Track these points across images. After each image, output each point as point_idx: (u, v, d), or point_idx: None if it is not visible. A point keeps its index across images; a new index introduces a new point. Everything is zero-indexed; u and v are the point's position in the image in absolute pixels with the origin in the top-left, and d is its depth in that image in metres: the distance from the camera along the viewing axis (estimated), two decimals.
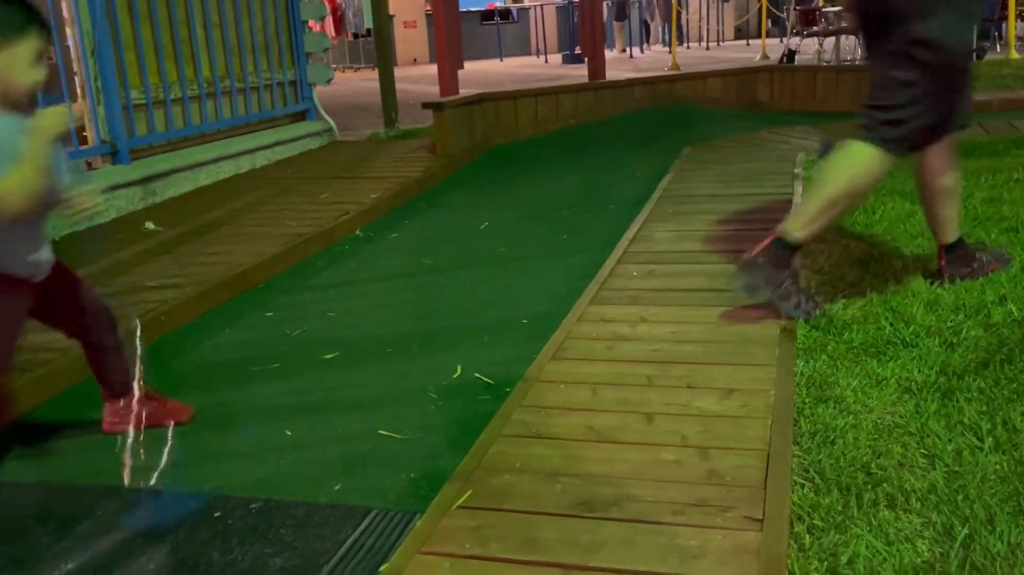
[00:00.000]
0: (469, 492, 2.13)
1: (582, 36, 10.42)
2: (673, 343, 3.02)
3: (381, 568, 1.91)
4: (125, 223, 5.25)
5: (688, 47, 23.23)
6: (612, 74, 9.80)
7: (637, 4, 22.79)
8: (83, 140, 5.66)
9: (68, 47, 5.90)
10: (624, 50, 20.61)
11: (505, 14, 23.43)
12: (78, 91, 5.67)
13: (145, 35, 6.06)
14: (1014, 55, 12.68)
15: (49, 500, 2.34)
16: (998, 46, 13.91)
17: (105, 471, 2.47)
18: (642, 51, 21.18)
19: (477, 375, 2.99)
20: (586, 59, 9.98)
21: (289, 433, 2.65)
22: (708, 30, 23.30)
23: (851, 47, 15.13)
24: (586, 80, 9.46)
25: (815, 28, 15.12)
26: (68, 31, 5.50)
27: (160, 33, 6.19)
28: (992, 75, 10.15)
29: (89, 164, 5.75)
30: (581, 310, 3.42)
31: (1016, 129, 6.82)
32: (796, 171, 5.69)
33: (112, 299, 3.71)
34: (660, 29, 23.74)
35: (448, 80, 8.34)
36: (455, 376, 3.00)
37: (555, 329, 3.24)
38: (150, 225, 5.10)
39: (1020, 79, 9.56)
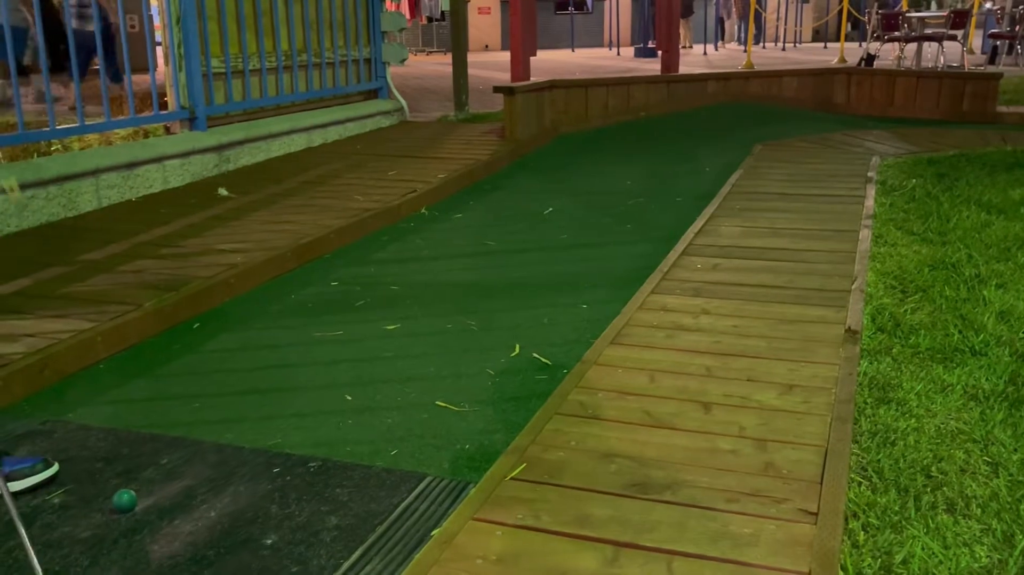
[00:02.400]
0: (523, 466, 2.15)
1: (657, 29, 10.35)
2: (735, 336, 3.00)
3: (433, 532, 1.94)
4: (199, 188, 5.37)
5: (764, 47, 22.90)
6: (684, 69, 9.71)
7: (713, 1, 22.53)
8: (163, 105, 5.80)
9: (152, 15, 6.05)
10: (689, 46, 20.38)
11: (580, 5, 23.33)
12: (160, 58, 5.80)
13: (228, 5, 6.19)
14: None
15: (118, 445, 2.42)
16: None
17: (172, 422, 2.55)
18: (716, 48, 20.94)
19: (535, 355, 3.00)
20: (659, 52, 9.91)
21: (349, 398, 2.70)
22: (785, 30, 22.92)
23: (933, 54, 14.77)
24: (658, 73, 9.39)
25: (896, 33, 14.79)
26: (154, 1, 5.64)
27: (243, 5, 6.30)
28: None
29: (167, 128, 5.90)
30: (642, 298, 3.41)
31: None
32: (869, 174, 5.59)
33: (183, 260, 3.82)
34: (736, 27, 23.45)
35: (520, 66, 8.35)
36: (513, 355, 3.02)
37: (615, 315, 3.24)
38: (223, 191, 5.21)
39: None
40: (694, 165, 6.39)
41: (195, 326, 3.34)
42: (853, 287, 3.48)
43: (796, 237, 4.24)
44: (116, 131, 5.79)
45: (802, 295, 3.42)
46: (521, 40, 8.30)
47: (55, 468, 2.26)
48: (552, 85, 7.53)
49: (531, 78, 8.16)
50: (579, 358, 2.86)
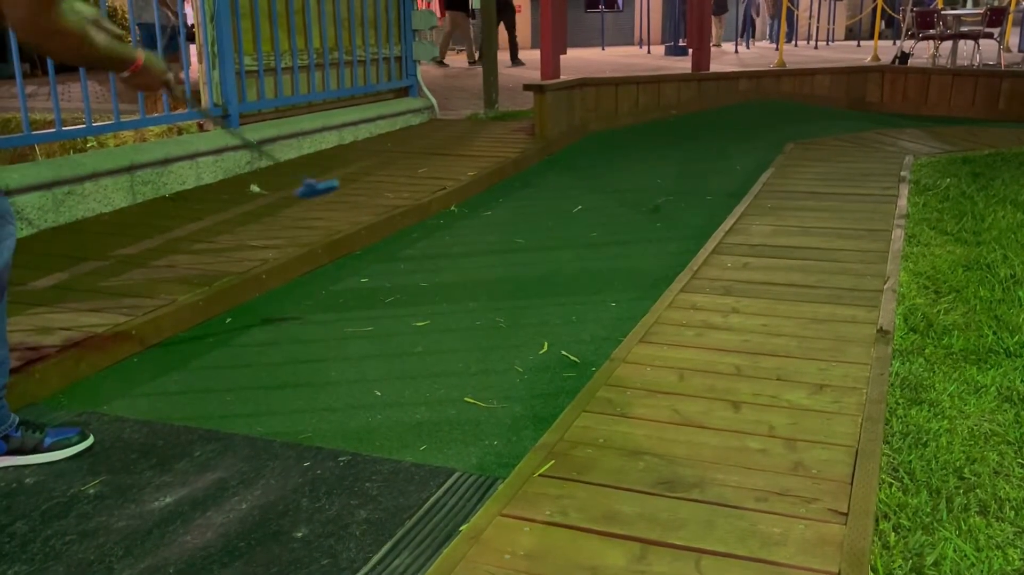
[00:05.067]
0: (552, 462, 2.16)
1: (688, 27, 10.30)
2: (765, 335, 2.98)
3: (462, 527, 1.95)
4: (231, 184, 5.43)
5: (796, 45, 22.68)
6: (715, 67, 9.66)
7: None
8: (197, 102, 5.87)
9: (187, 14, 6.11)
10: (719, 44, 20.26)
11: (610, 3, 23.27)
12: (194, 55, 5.87)
13: (261, 4, 6.24)
14: None
15: (152, 437, 2.46)
16: None
17: (205, 415, 2.58)
18: (748, 47, 20.80)
19: (563, 352, 3.01)
20: (690, 50, 9.87)
21: (379, 393, 2.72)
22: (818, 28, 22.70)
23: (969, 52, 14.58)
24: (689, 71, 9.35)
25: (931, 31, 14.61)
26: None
27: (276, 3, 6.36)
28: None
29: (201, 126, 5.96)
30: (672, 296, 3.40)
31: None
32: (903, 174, 5.53)
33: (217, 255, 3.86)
34: (767, 25, 23.28)
35: (550, 64, 8.35)
36: (541, 352, 3.03)
37: (644, 313, 3.24)
38: (255, 188, 5.26)
39: None
40: (725, 163, 6.36)
41: (227, 321, 3.38)
42: (885, 287, 3.45)
43: (828, 236, 4.21)
44: (151, 128, 5.87)
45: (833, 294, 3.39)
46: (551, 38, 8.29)
47: (90, 439, 2.42)
48: (582, 83, 7.53)
49: (561, 76, 8.16)
50: (608, 356, 2.86)
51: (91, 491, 2.18)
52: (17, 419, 2.36)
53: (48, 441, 2.36)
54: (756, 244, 4.13)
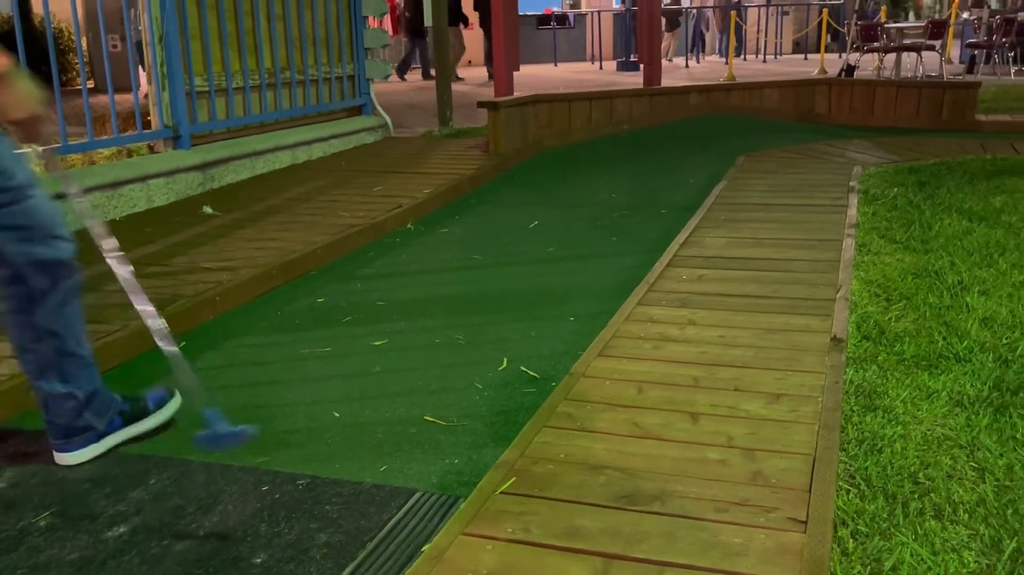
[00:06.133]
0: (513, 479, 2.15)
1: (639, 43, 10.41)
2: (721, 346, 3.01)
3: (424, 547, 1.94)
4: (183, 206, 5.36)
5: (745, 59, 23.04)
6: (666, 82, 9.77)
7: (692, 14, 22.72)
8: (147, 124, 5.79)
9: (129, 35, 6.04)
10: (670, 59, 20.54)
11: (562, 19, 23.45)
12: (143, 77, 5.80)
13: (211, 24, 6.19)
14: None
15: (106, 466, 2.41)
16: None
17: (159, 442, 2.54)
18: (697, 61, 21.09)
19: (523, 368, 3.01)
20: (642, 65, 9.98)
21: (337, 414, 2.69)
22: (766, 42, 23.09)
23: (912, 64, 14.93)
24: (641, 86, 9.45)
25: (875, 44, 14.95)
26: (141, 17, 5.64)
27: (225, 23, 6.31)
28: None
29: (151, 147, 5.89)
30: (629, 310, 3.42)
31: None
32: (852, 184, 5.63)
33: (170, 279, 3.80)
34: (717, 40, 23.64)
35: (503, 81, 8.38)
36: (501, 368, 3.02)
37: (602, 327, 3.25)
38: (207, 209, 5.20)
39: None
40: (678, 177, 6.42)
41: (182, 344, 3.33)
42: (838, 296, 3.51)
43: (780, 247, 4.27)
44: (99, 151, 5.78)
45: (787, 304, 3.44)
46: (504, 55, 8.33)
47: (178, 396, 2.66)
48: (536, 100, 7.57)
49: (515, 93, 8.20)
50: (567, 371, 2.87)
51: (42, 523, 2.13)
52: (119, 396, 2.54)
53: (151, 405, 2.58)
54: (711, 256, 4.17)
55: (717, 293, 3.61)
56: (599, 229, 5.02)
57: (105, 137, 5.49)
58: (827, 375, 2.73)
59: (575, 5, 25.63)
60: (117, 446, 2.51)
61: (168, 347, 2.31)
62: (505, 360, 3.09)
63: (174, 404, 2.64)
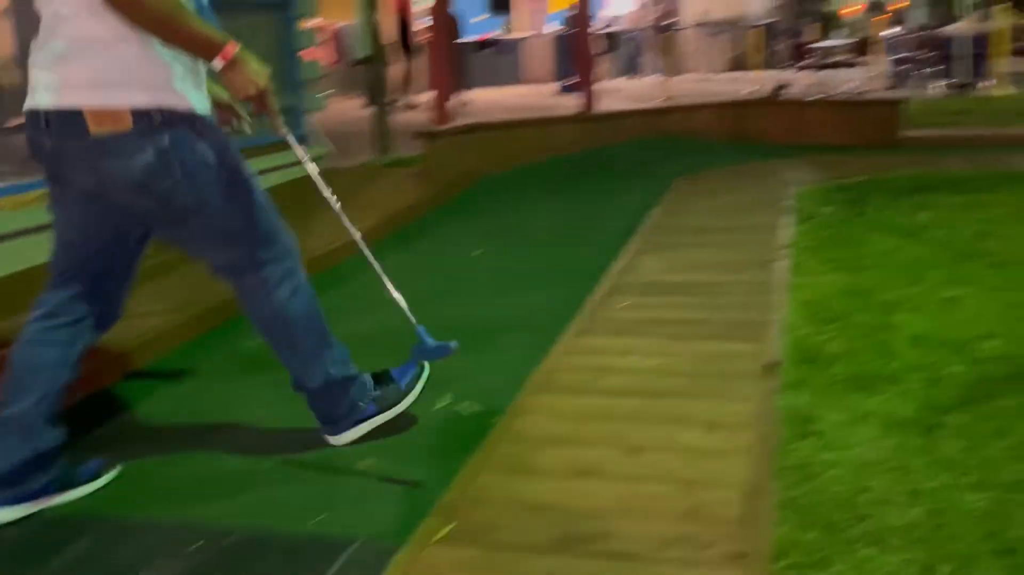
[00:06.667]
0: (453, 524, 2.13)
1: (576, 66, 10.52)
2: (659, 376, 3.03)
3: None
4: None
5: (681, 78, 23.36)
6: (605, 104, 9.87)
7: (628, 35, 23.04)
8: None
9: None
10: (608, 80, 20.78)
11: (499, 44, 23.60)
12: None
13: None
14: (1001, 91, 12.83)
15: (23, 530, 2.32)
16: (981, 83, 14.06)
17: (79, 503, 2.45)
18: (635, 81, 21.35)
19: (462, 406, 2.98)
20: (579, 89, 10.07)
21: (270, 464, 2.64)
22: (702, 61, 23.50)
23: (842, 81, 15.29)
24: (578, 110, 9.53)
25: (806, 62, 15.30)
26: None
27: None
28: (981, 111, 10.27)
29: None
30: (569, 341, 3.43)
31: (1004, 164, 6.88)
32: (785, 203, 5.72)
33: None
34: (653, 60, 23.97)
35: (442, 108, 8.39)
36: (440, 407, 2.99)
37: (542, 360, 3.24)
38: None
39: (1006, 114, 9.66)
40: (616, 202, 6.47)
41: (113, 392, 3.24)
42: (773, 318, 3.55)
43: (717, 270, 4.32)
44: (29, 193, 5.63)
45: (724, 329, 3.47)
46: (442, 81, 8.34)
47: (426, 369, 2.88)
48: (473, 128, 7.59)
49: (454, 119, 8.21)
50: (506, 408, 2.85)
51: None
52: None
53: (403, 382, 2.79)
54: (648, 282, 4.21)
55: (656, 320, 3.63)
56: (539, 257, 5.03)
57: (35, 179, 5.34)
58: (762, 402, 2.75)
59: (512, 30, 25.79)
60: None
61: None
62: (445, 398, 3.06)
63: (424, 376, 2.85)
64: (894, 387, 2.86)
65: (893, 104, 8.82)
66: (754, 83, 17.48)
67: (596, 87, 10.00)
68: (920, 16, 24.53)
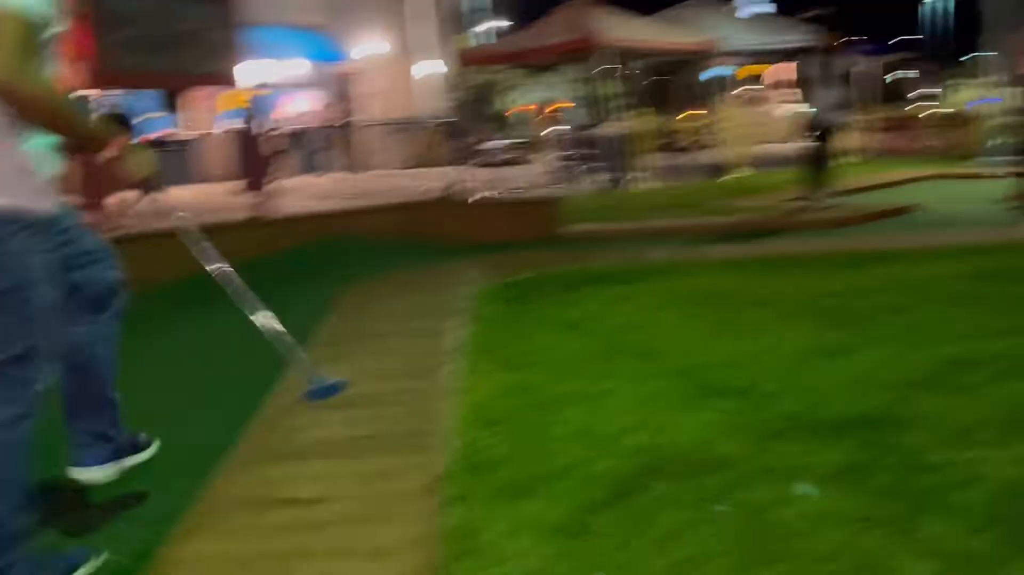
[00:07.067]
0: None
1: (249, 167, 10.30)
2: (323, 504, 2.91)
3: None
4: None
5: (363, 175, 23.76)
6: (287, 203, 9.75)
7: (308, 134, 23.12)
8: None
9: None
10: (289, 179, 20.71)
11: (174, 142, 22.66)
12: None
13: None
14: (649, 185, 14.35)
15: None
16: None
17: None
18: (318, 179, 21.38)
19: (107, 559, 2.66)
20: (253, 191, 9.84)
21: None
22: (383, 158, 24.07)
23: (513, 177, 16.33)
24: (253, 214, 9.30)
25: (479, 160, 16.19)
26: None
27: None
28: (630, 205, 11.38)
29: None
30: (228, 473, 3.21)
31: (648, 258, 7.58)
32: (458, 305, 5.87)
33: None
34: (335, 158, 24.18)
35: (98, 215, 7.79)
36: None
37: (196, 502, 2.99)
38: None
39: (651, 209, 10.77)
40: (287, 310, 6.26)
41: None
42: (439, 428, 3.56)
43: (386, 379, 4.30)
44: None
45: (390, 444, 3.43)
46: (93, 186, 7.76)
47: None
48: (128, 238, 7.09)
49: (115, 227, 7.64)
50: (151, 557, 2.58)
51: None
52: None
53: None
54: None
55: (320, 440, 3.52)
56: (197, 378, 4.76)
57: None
58: (427, 521, 2.72)
59: (187, 128, 24.93)
60: None
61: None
62: (89, 558, 2.71)
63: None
64: (549, 490, 2.95)
65: (554, 202, 9.51)
66: (433, 180, 18.18)
67: (276, 186, 9.86)
68: (580, 116, 26.95)
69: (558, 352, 4.67)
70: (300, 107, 28.27)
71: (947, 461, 2.98)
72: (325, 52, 27.08)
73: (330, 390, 3.79)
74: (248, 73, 13.97)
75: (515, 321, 5.42)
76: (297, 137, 22.50)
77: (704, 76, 19.88)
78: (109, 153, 2.61)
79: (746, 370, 4.08)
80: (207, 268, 3.60)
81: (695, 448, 3.25)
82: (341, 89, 28.39)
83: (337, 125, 24.39)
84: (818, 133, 9.99)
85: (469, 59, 18.82)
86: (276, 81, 27.17)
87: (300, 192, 17.23)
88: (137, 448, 3.20)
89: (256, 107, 10.82)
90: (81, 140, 2.51)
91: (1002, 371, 3.78)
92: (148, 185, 2.94)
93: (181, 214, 3.41)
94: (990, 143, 16.13)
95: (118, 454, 3.08)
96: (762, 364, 4.16)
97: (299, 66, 27.15)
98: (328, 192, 15.93)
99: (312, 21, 26.05)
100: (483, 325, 5.36)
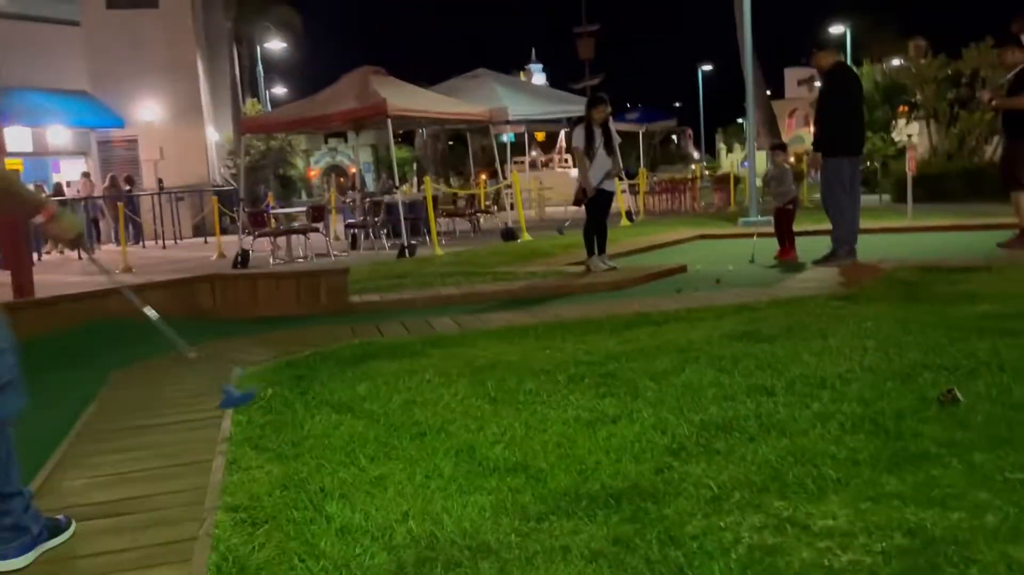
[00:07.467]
0: None
1: (3, 247, 9.51)
2: None
3: None
4: None
5: (144, 246, 22.66)
6: (52, 281, 9.04)
7: (82, 203, 21.85)
8: None
9: None
10: (62, 253, 19.43)
11: None
12: None
13: None
14: (439, 251, 14.45)
15: None
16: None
17: None
18: (92, 252, 20.15)
19: None
20: (9, 272, 9.08)
21: None
22: (164, 228, 23.01)
23: (300, 244, 16.02)
24: (14, 297, 8.57)
25: (265, 229, 15.76)
26: None
27: None
28: (418, 273, 11.38)
29: None
30: None
31: (433, 328, 7.56)
32: (229, 388, 5.58)
33: None
34: (111, 229, 22.90)
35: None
36: None
37: None
38: None
39: (440, 276, 10.82)
40: (42, 405, 5.77)
41: None
42: (201, 532, 3.33)
43: (146, 480, 3.99)
44: None
45: (147, 557, 3.16)
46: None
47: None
48: None
49: None
50: None
51: None
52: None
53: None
54: (70, 505, 3.72)
55: (69, 557, 3.19)
56: None
57: None
58: None
59: None
60: None
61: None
62: None
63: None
64: None
65: (341, 272, 9.35)
66: (214, 250, 17.54)
67: (30, 268, 9.13)
68: (369, 182, 26.96)
69: (333, 437, 4.49)
70: (73, 174, 26.67)
71: (705, 529, 3.09)
72: (96, 118, 25.78)
73: (241, 399, 4.53)
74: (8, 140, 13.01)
75: (291, 405, 5.19)
76: (71, 207, 21.17)
77: (494, 142, 20.52)
78: (41, 218, 2.99)
79: (522, 446, 4.10)
80: None
81: (468, 534, 3.20)
82: (121, 156, 27.09)
83: (113, 193, 23.15)
84: (589, 199, 10.44)
85: (248, 127, 18.41)
86: (37, 149, 25.54)
87: (70, 267, 16.13)
88: (59, 530, 3.29)
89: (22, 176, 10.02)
90: (24, 208, 2.94)
91: (751, 433, 4.01)
92: (76, 245, 3.38)
93: None
94: (747, 204, 17.54)
95: (37, 541, 3.18)
96: (538, 438, 4.20)
97: (61, 133, 25.70)
98: (103, 266, 15.01)
99: (77, 86, 24.77)
100: (255, 412, 5.10)
